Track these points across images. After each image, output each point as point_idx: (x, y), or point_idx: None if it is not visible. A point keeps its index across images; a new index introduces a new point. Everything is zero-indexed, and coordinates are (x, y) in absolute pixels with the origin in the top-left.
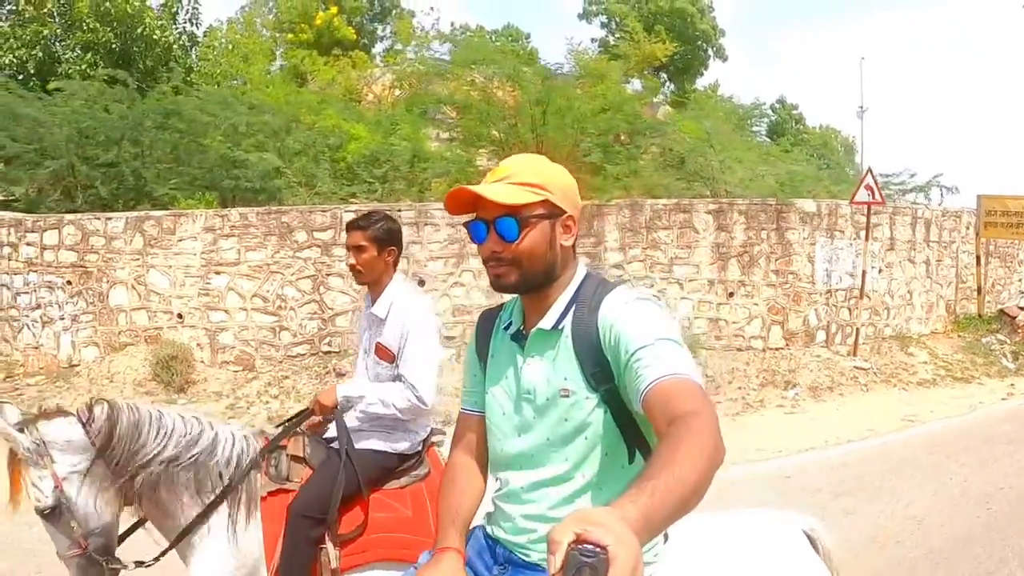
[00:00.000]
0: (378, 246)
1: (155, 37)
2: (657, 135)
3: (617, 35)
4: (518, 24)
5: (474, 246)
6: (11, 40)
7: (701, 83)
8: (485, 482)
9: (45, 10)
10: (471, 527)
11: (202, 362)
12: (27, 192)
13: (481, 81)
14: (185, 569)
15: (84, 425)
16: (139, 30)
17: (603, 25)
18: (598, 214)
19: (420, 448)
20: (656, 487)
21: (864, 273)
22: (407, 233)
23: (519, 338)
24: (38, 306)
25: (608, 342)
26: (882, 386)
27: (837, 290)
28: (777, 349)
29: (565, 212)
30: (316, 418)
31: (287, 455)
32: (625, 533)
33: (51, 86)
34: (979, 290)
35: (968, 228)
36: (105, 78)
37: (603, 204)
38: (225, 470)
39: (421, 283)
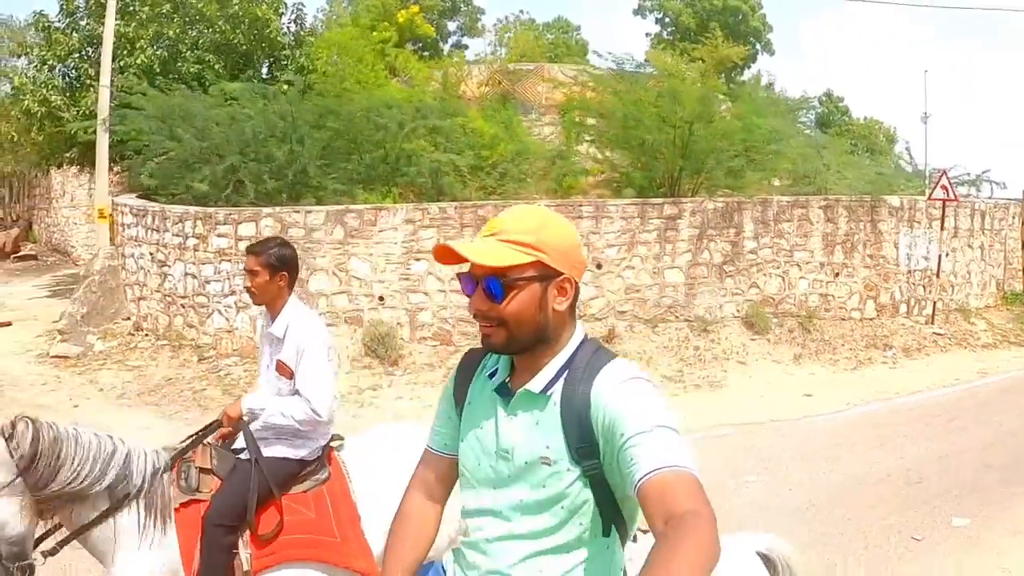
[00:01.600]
0: (270, 271)
1: (279, 40)
2: (776, 142)
3: (669, 29)
4: (568, 16)
5: (645, 234)
6: (140, 42)
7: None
8: (438, 527)
9: (162, 11)
10: (432, 561)
11: (402, 339)
12: (211, 187)
13: (626, 92)
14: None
15: (6, 440)
16: (266, 32)
17: (657, 21)
18: (738, 209)
19: (320, 454)
20: None
21: (940, 257)
22: (588, 226)
23: (504, 392)
24: (232, 292)
25: (602, 421)
26: (956, 347)
27: (915, 271)
28: (871, 319)
29: (561, 274)
30: (225, 429)
31: (195, 467)
32: None
33: (232, 88)
34: (1023, 270)
35: (1015, 218)
36: (250, 78)
37: (742, 201)
38: (136, 481)
39: (599, 266)
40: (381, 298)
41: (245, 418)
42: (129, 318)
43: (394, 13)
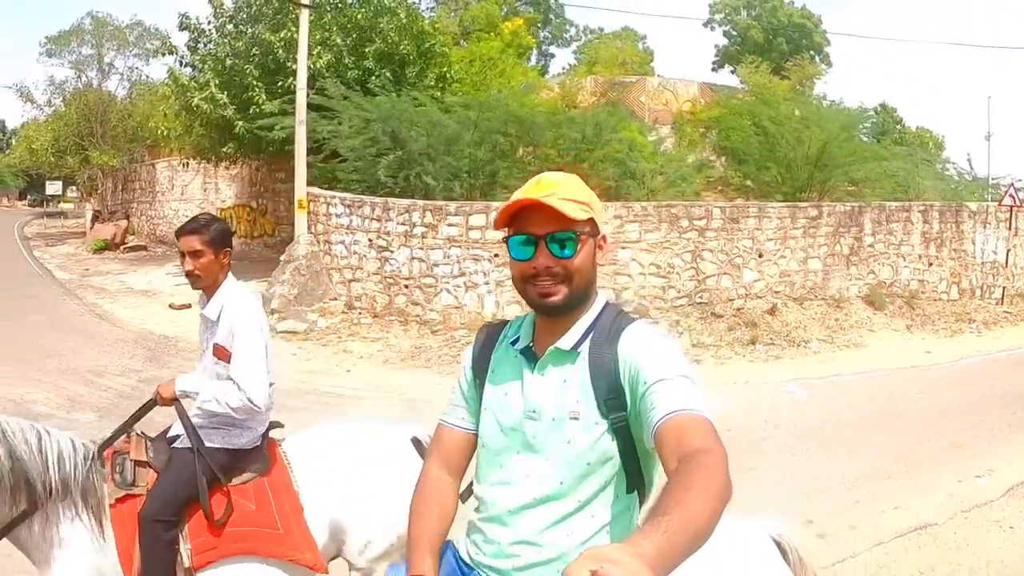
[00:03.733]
0: (214, 249)
1: (437, 50)
2: (887, 159)
3: (736, 41)
4: (634, 26)
5: (794, 231)
6: (316, 48)
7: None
8: (457, 500)
9: (323, 20)
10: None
11: None
12: (437, 183)
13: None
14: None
15: None
16: (429, 44)
17: (725, 34)
18: (860, 212)
19: (260, 442)
20: (671, 524)
21: (1008, 252)
22: (753, 223)
23: (529, 355)
24: (461, 274)
25: (626, 372)
26: (1023, 323)
27: (986, 262)
28: (955, 300)
29: (600, 231)
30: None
31: (131, 460)
32: (641, 569)
33: (425, 97)
34: None
35: None
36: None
37: (863, 205)
38: (65, 474)
39: (760, 255)
40: None
41: (179, 399)
42: (336, 298)
43: (498, 24)
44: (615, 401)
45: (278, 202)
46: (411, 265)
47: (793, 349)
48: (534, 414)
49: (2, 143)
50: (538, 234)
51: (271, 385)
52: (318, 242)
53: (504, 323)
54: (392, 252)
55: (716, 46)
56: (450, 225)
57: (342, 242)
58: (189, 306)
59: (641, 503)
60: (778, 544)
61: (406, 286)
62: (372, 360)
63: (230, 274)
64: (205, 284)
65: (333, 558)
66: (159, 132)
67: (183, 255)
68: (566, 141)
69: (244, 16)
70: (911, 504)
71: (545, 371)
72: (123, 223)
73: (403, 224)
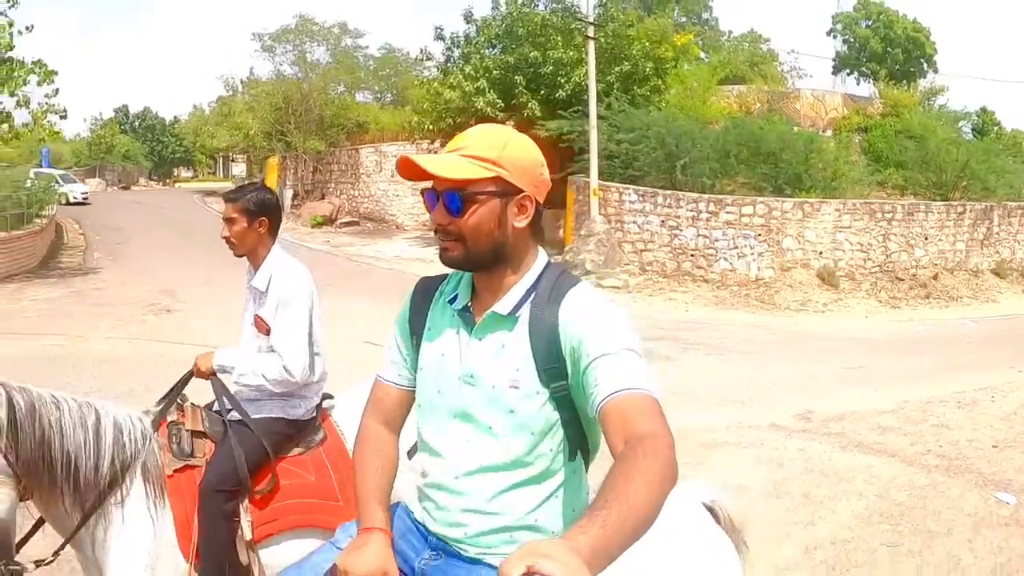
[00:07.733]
0: (248, 217)
1: (671, 71)
2: (1006, 173)
3: (855, 50)
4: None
5: (948, 221)
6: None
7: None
8: (398, 456)
9: (575, 42)
10: (396, 503)
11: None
12: (710, 181)
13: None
14: (78, 566)
15: None
16: (667, 66)
17: (845, 42)
18: (991, 208)
19: (315, 414)
20: (608, 517)
21: None
22: (922, 217)
23: (466, 316)
24: (735, 247)
25: (567, 342)
26: None
27: None
28: None
29: (521, 191)
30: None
31: (187, 430)
32: (576, 565)
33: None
34: None
35: None
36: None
37: (993, 204)
38: (121, 455)
39: (926, 238)
40: (820, 252)
41: (217, 374)
42: (629, 263)
43: (670, 37)
44: (556, 370)
45: None
46: (697, 240)
47: (953, 303)
48: (471, 379)
49: (168, 131)
50: (437, 189)
51: (317, 355)
52: (609, 221)
53: (443, 277)
54: (681, 231)
55: (837, 52)
56: (727, 212)
57: (634, 222)
58: None
59: (587, 467)
60: (711, 509)
61: (692, 255)
62: (693, 304)
63: (277, 245)
64: (242, 251)
65: None
66: (413, 123)
67: (223, 221)
68: (790, 152)
69: (506, 35)
70: None
71: (483, 336)
72: (337, 202)
73: (691, 211)
